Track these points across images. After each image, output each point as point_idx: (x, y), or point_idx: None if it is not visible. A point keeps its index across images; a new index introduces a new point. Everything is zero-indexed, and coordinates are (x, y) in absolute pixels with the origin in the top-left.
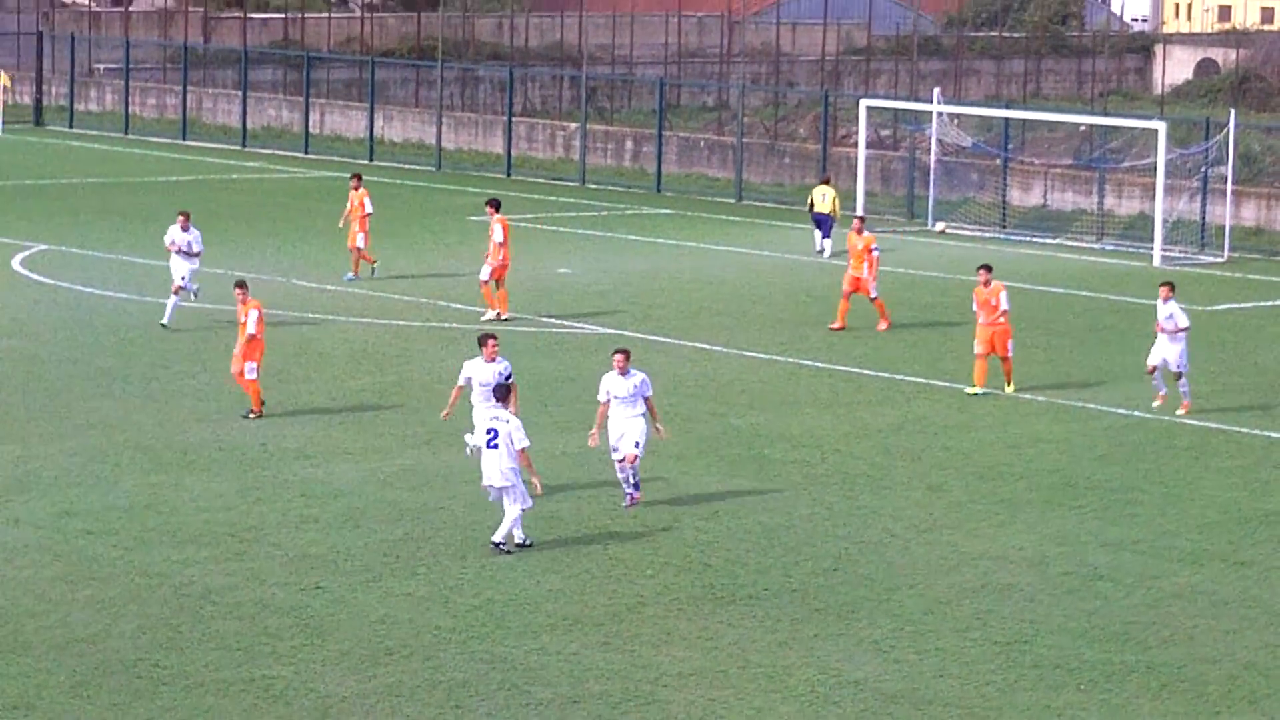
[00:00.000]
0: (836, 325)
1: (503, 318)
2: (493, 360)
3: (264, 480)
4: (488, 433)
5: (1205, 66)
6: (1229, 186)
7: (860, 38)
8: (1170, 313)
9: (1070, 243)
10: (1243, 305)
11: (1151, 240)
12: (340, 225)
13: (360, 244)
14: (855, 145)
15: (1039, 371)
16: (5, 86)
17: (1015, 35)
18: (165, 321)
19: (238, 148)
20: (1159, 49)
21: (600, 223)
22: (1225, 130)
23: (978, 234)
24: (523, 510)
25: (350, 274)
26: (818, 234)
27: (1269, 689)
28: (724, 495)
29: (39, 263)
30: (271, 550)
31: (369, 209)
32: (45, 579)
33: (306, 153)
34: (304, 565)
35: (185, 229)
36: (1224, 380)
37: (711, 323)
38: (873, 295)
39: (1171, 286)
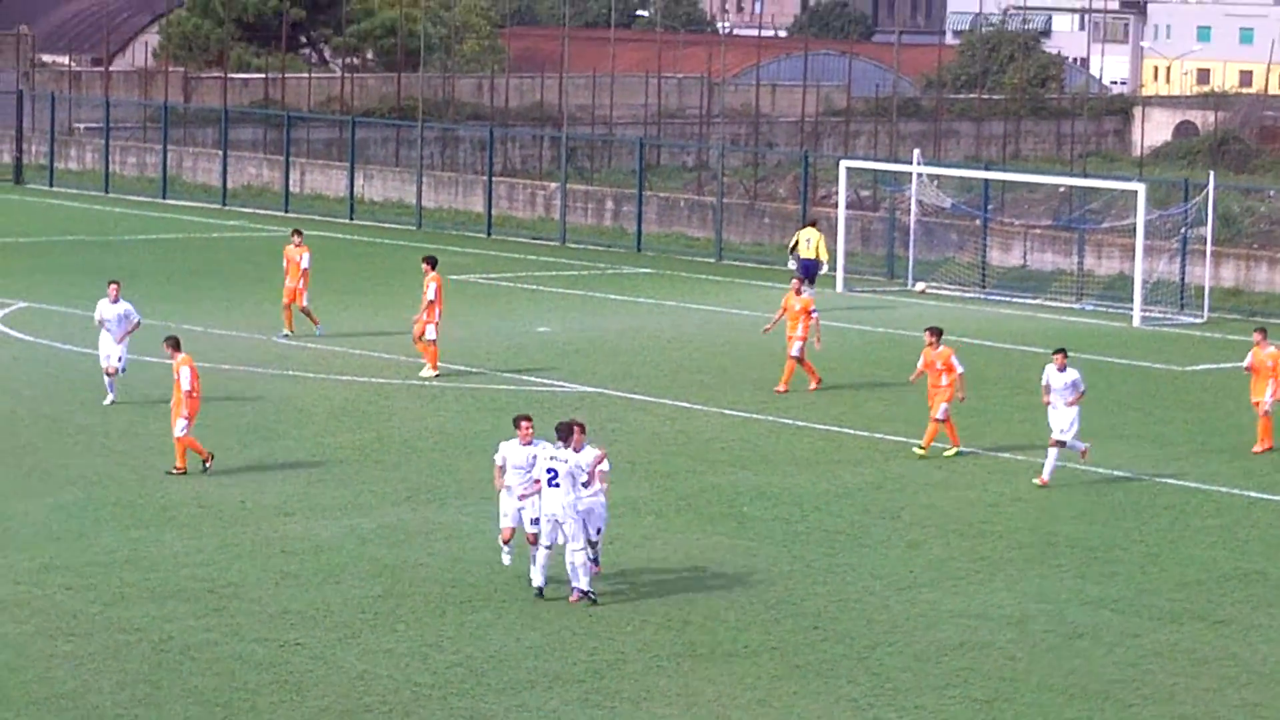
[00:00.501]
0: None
1: (435, 374)
2: (528, 443)
3: (243, 536)
4: (548, 472)
5: (1184, 128)
6: (1208, 247)
7: (840, 99)
8: (1073, 379)
9: (1050, 303)
10: (1222, 365)
11: (1131, 300)
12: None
13: (306, 302)
14: (835, 205)
15: (1019, 430)
16: None
17: (995, 97)
18: (108, 401)
19: (218, 206)
20: (1138, 111)
21: (580, 281)
22: (1204, 191)
23: (958, 294)
24: (586, 548)
25: (285, 331)
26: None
27: None
28: (704, 552)
29: (18, 320)
30: (251, 606)
31: (306, 265)
32: (25, 634)
33: (287, 211)
34: (283, 621)
35: (115, 300)
36: (1203, 440)
37: (691, 381)
38: (793, 353)
39: (1065, 353)
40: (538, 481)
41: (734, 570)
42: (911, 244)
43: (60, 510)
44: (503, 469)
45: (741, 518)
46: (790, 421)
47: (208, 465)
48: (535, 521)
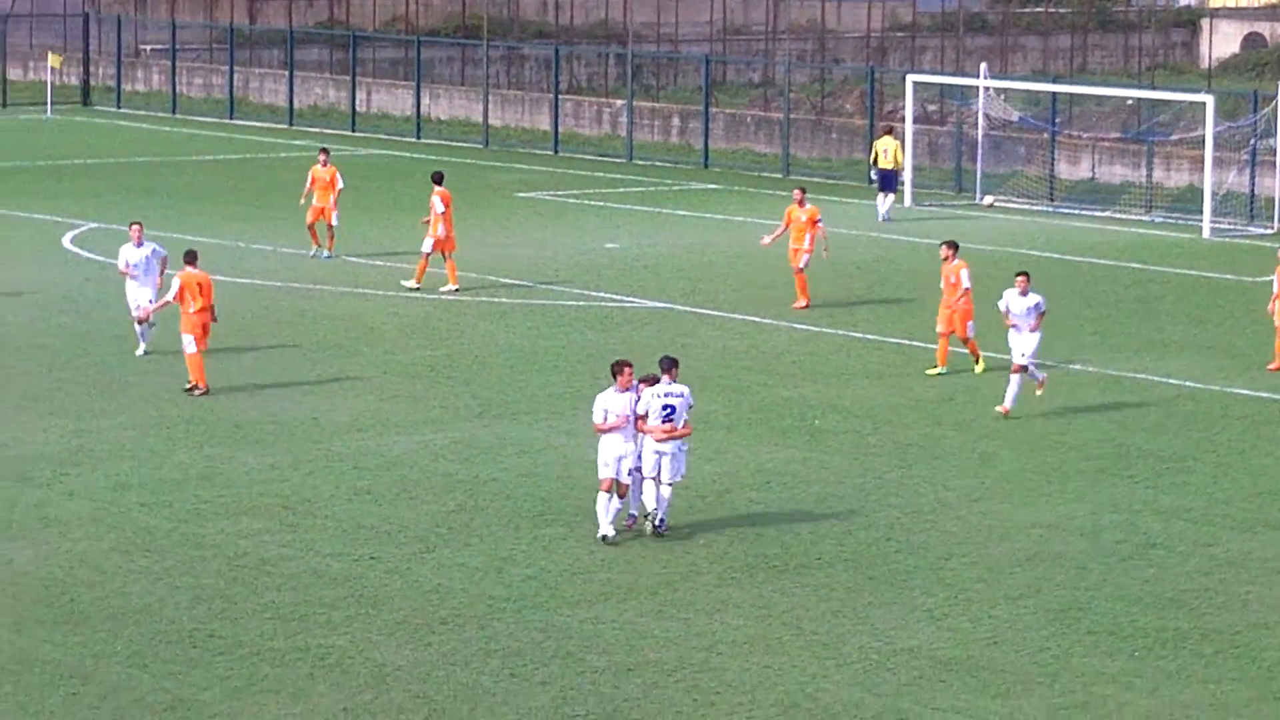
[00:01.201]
0: (799, 304)
1: (454, 289)
2: (627, 389)
3: (317, 453)
4: (664, 409)
5: (1252, 40)
6: (1278, 158)
7: (905, 14)
8: (1036, 302)
9: (1119, 215)
10: None
11: (1200, 212)
12: (301, 202)
13: (335, 221)
14: (902, 120)
15: (1089, 343)
16: (54, 68)
17: (1061, 10)
18: (140, 352)
19: (285, 126)
20: (1205, 23)
21: (647, 198)
22: (1274, 103)
23: (1026, 207)
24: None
25: (325, 251)
26: (880, 196)
27: None
28: (776, 465)
29: (89, 240)
30: (325, 522)
31: (341, 185)
32: (100, 550)
33: (354, 131)
34: (358, 536)
35: (139, 243)
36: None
37: (760, 296)
38: (800, 265)
39: (1027, 277)
40: (641, 419)
41: (806, 483)
42: (979, 158)
43: (134, 429)
44: (605, 421)
45: (813, 431)
46: (860, 335)
47: (195, 391)
48: (632, 471)
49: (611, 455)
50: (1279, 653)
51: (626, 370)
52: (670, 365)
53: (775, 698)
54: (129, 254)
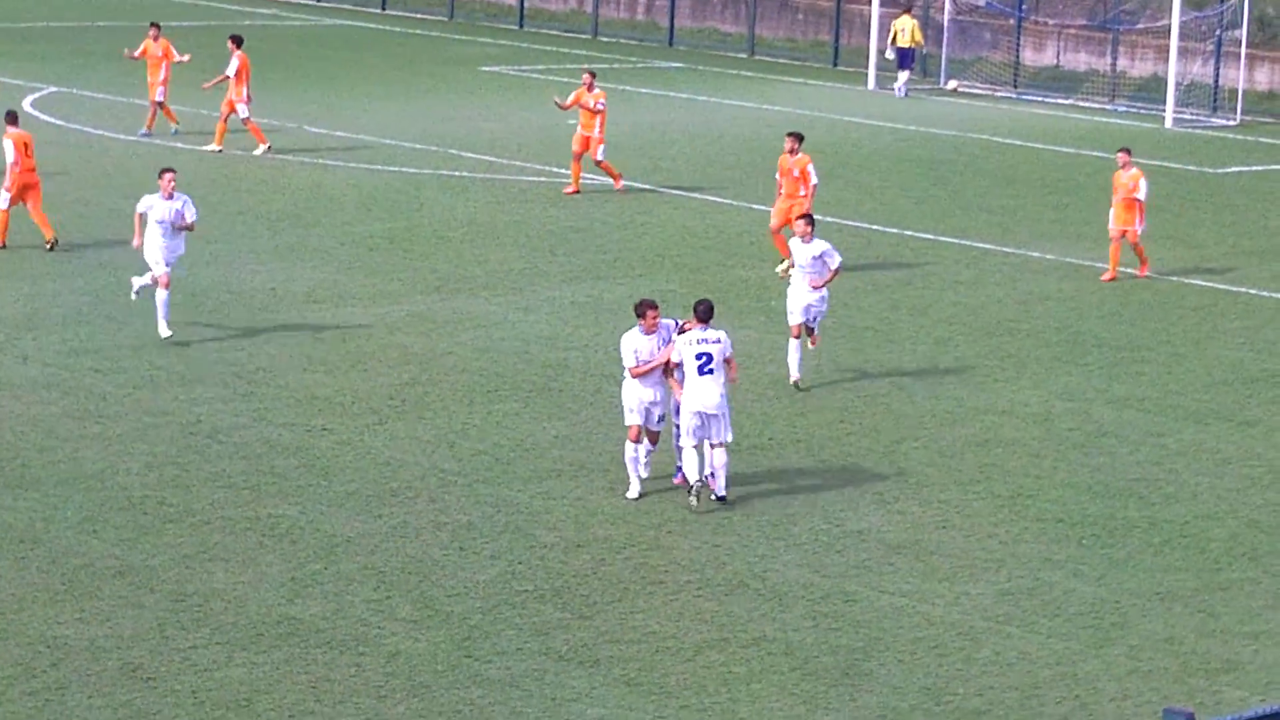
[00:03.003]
0: (570, 189)
1: (266, 148)
2: (653, 332)
3: (272, 322)
4: (699, 358)
5: None
6: (1243, 50)
7: None
8: (822, 251)
9: (1082, 103)
10: (1254, 168)
11: (1164, 102)
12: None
13: (160, 98)
14: (869, 3)
15: (1049, 230)
16: None
17: None
18: (164, 334)
19: None
20: None
21: (612, 75)
22: None
23: (990, 93)
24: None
25: (144, 130)
26: (901, 73)
27: (1270, 546)
28: (733, 344)
29: (50, 104)
30: (279, 391)
31: (178, 57)
32: (53, 415)
33: (318, 1)
34: (311, 407)
35: (170, 195)
36: (1233, 242)
37: (721, 176)
38: (599, 158)
39: (810, 221)
40: (670, 367)
41: (762, 364)
42: (945, 42)
43: (89, 294)
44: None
45: (769, 312)
46: (819, 218)
47: None
48: (662, 419)
49: (637, 400)
50: (1226, 543)
51: (650, 313)
52: (707, 312)
53: (724, 576)
54: (155, 206)
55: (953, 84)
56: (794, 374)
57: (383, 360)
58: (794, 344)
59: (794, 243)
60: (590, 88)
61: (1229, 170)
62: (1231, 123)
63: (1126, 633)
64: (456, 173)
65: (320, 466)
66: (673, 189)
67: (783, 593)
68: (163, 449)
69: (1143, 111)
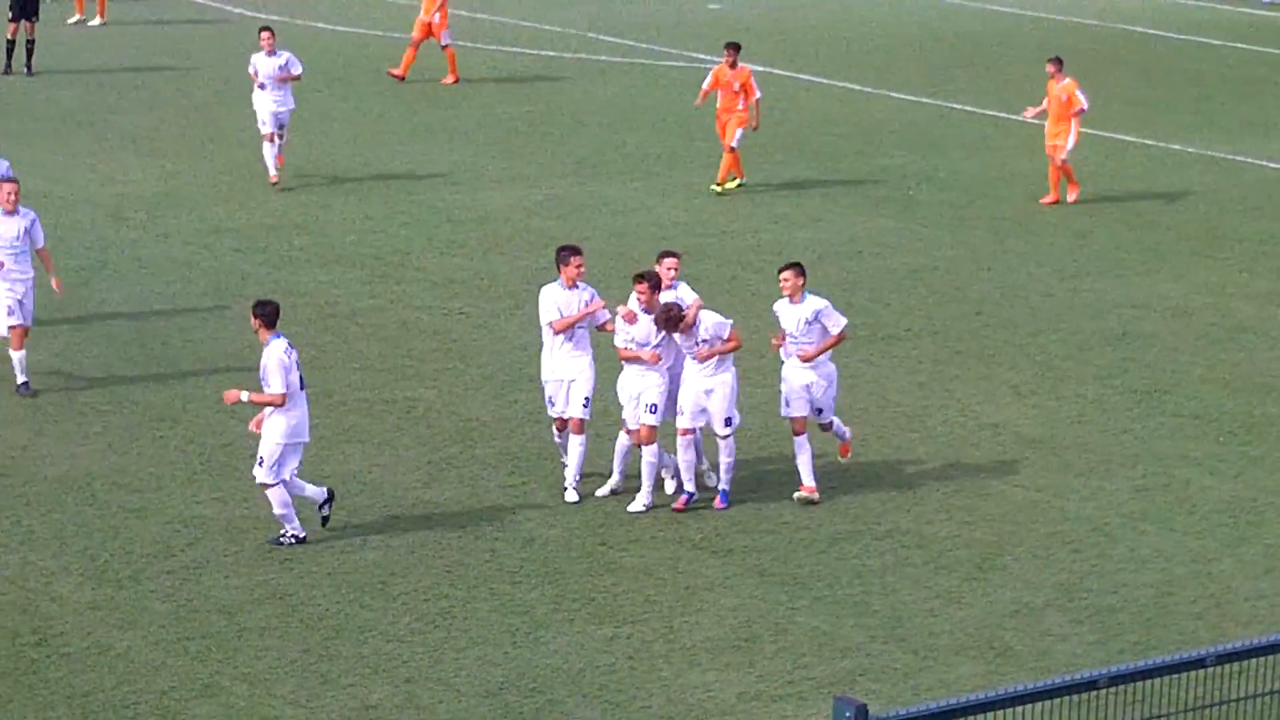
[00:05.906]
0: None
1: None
2: (574, 286)
3: (411, 204)
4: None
5: None
6: None
7: None
8: (816, 311)
9: None
10: None
11: None
12: None
13: None
14: None
15: (1190, 122)
16: None
17: None
18: (275, 179)
19: None
20: None
21: None
22: None
23: None
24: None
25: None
26: None
27: None
28: (869, 234)
29: None
30: (416, 274)
31: None
32: (193, 294)
33: None
34: (448, 290)
35: (272, 52)
36: None
37: (861, 62)
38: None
39: (802, 270)
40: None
41: (898, 253)
42: None
43: (230, 173)
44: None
45: (908, 201)
46: (958, 106)
47: None
48: (652, 409)
49: (628, 396)
50: None
51: (575, 259)
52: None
53: (859, 467)
54: (260, 63)
55: None
56: (805, 481)
57: (519, 243)
58: (799, 443)
59: (781, 304)
60: (733, 65)
61: None
62: None
63: (1263, 531)
64: (595, 56)
65: (457, 350)
66: (811, 75)
67: (917, 485)
68: (301, 330)
69: None
